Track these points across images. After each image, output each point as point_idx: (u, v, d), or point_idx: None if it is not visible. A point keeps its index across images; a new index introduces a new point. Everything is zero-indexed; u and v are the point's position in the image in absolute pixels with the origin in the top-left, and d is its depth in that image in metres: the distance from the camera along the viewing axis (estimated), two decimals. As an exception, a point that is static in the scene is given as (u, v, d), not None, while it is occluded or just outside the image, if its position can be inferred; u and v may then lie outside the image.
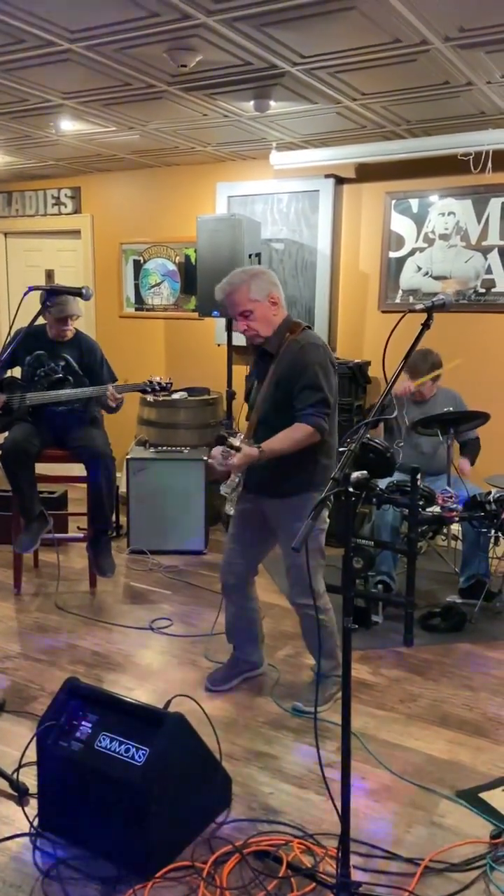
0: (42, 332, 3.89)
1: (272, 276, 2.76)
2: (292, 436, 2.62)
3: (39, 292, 3.14)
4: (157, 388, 3.87)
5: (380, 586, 3.77)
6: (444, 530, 4.14)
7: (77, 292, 2.93)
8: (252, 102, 3.82)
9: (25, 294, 2.67)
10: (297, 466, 2.68)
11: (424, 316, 1.98)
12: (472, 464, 4.09)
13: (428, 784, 2.44)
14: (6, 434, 3.86)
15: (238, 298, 2.69)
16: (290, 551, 2.75)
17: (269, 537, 2.91)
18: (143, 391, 3.89)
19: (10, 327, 3.27)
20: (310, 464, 2.70)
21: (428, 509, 3.54)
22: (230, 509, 2.88)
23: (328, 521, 2.85)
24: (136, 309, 5.95)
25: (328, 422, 2.66)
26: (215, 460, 2.66)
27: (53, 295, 3.49)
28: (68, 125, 4.37)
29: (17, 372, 4.05)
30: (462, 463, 3.95)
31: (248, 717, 2.84)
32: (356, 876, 1.95)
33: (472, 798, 2.36)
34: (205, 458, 4.63)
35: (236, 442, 2.59)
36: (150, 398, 5.01)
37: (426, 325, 1.99)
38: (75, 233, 6.14)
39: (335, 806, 1.89)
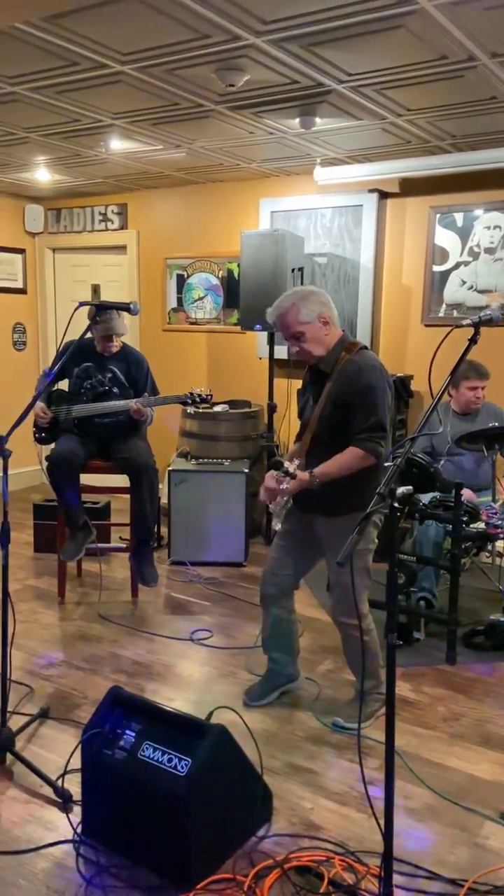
0: (91, 345, 3.97)
1: (322, 296, 2.73)
2: (346, 461, 2.61)
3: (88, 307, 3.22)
4: (197, 399, 3.91)
5: (422, 602, 3.73)
6: (489, 547, 4.08)
7: (125, 307, 3.00)
8: (297, 120, 3.86)
9: (76, 309, 2.74)
10: (349, 486, 2.66)
11: (470, 330, 1.98)
12: None
13: (471, 805, 2.40)
14: (53, 445, 3.95)
15: (289, 321, 2.68)
16: (336, 569, 2.75)
17: (315, 553, 2.91)
18: (184, 403, 3.94)
19: (60, 341, 3.36)
20: (362, 484, 2.68)
21: (472, 525, 3.50)
22: (277, 524, 2.88)
23: (376, 541, 2.82)
24: (182, 320, 6.03)
25: (384, 445, 2.65)
26: (268, 485, 2.68)
27: (102, 310, 3.58)
28: (117, 144, 4.47)
29: (64, 384, 4.13)
30: None
31: (289, 731, 2.84)
32: (398, 895, 1.93)
33: (517, 821, 2.31)
34: (246, 470, 4.66)
35: (291, 468, 2.59)
36: (191, 410, 5.07)
37: (473, 341, 1.97)
38: (121, 248, 6.26)
39: (378, 824, 1.88)
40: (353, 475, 2.64)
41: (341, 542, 2.69)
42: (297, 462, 2.74)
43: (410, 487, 2.76)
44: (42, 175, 5.45)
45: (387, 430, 2.66)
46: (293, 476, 2.58)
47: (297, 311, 2.66)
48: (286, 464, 2.61)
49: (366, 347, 2.76)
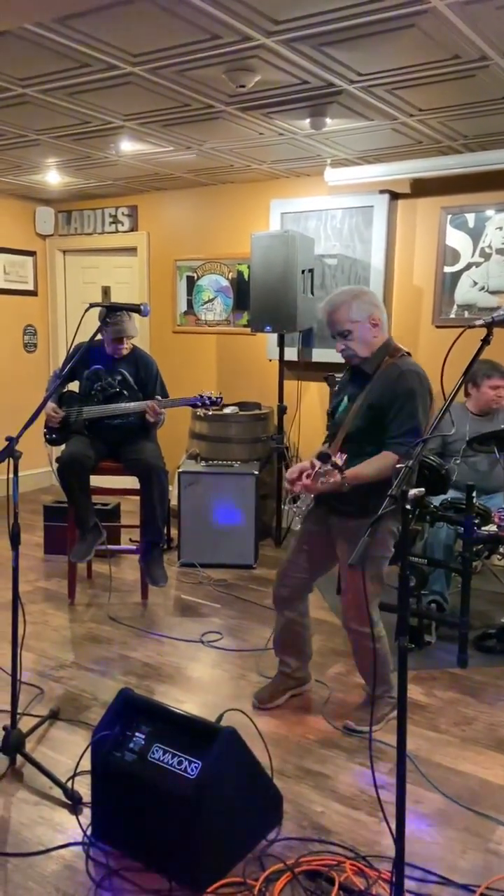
0: (101, 347, 3.97)
1: (375, 298, 2.74)
2: (379, 464, 2.58)
3: (98, 308, 3.21)
4: (207, 402, 3.91)
5: (433, 605, 3.71)
6: (500, 550, 4.05)
7: (135, 308, 3.00)
8: (308, 120, 3.85)
9: (86, 311, 2.74)
10: (372, 490, 2.60)
11: (482, 331, 1.96)
12: None
13: (484, 810, 2.38)
14: (63, 447, 3.96)
15: (339, 317, 2.68)
16: (348, 572, 2.73)
17: (331, 556, 2.87)
18: (195, 405, 3.94)
19: (71, 343, 3.36)
20: (385, 488, 2.66)
21: (483, 528, 3.47)
22: (297, 524, 2.86)
23: (393, 549, 2.77)
24: (192, 322, 6.03)
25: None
26: (307, 474, 2.57)
27: (114, 312, 3.58)
28: (127, 146, 4.48)
29: (74, 386, 4.14)
30: None
31: (299, 734, 2.82)
32: (410, 901, 1.91)
33: (530, 827, 2.29)
34: (255, 472, 4.65)
35: (339, 461, 2.51)
36: (200, 412, 5.06)
37: (486, 341, 1.96)
38: (131, 250, 6.26)
39: (389, 828, 1.86)
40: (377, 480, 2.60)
41: (357, 545, 2.67)
42: (343, 457, 2.69)
43: (423, 489, 2.74)
44: (53, 177, 5.46)
45: (420, 436, 2.62)
46: (341, 470, 2.51)
47: (348, 308, 2.67)
48: (334, 457, 2.54)
49: (409, 353, 2.75)
